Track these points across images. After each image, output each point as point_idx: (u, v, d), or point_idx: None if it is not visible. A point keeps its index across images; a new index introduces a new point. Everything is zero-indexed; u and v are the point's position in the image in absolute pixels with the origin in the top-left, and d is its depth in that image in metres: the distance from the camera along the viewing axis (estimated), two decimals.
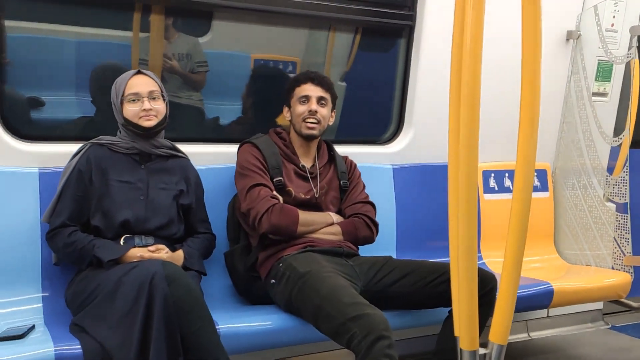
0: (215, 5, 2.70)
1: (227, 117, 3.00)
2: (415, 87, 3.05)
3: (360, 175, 2.67)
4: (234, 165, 2.48)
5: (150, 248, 2.12)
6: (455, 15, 1.62)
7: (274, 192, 2.37)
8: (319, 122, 2.47)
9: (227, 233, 2.53)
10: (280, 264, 2.31)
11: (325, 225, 2.45)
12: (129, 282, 1.86)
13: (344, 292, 2.06)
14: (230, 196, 2.54)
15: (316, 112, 2.45)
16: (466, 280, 1.60)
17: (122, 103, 2.19)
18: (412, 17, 2.99)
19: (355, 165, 2.70)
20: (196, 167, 2.41)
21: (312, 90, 2.46)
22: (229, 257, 2.48)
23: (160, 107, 2.21)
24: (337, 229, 2.46)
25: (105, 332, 1.84)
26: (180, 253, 2.21)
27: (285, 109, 2.55)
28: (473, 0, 1.52)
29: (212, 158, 2.59)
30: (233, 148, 2.54)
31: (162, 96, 2.24)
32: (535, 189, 3.41)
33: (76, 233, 2.11)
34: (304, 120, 2.45)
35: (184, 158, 2.36)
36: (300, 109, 2.45)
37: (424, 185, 3.07)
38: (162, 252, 2.12)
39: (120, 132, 2.26)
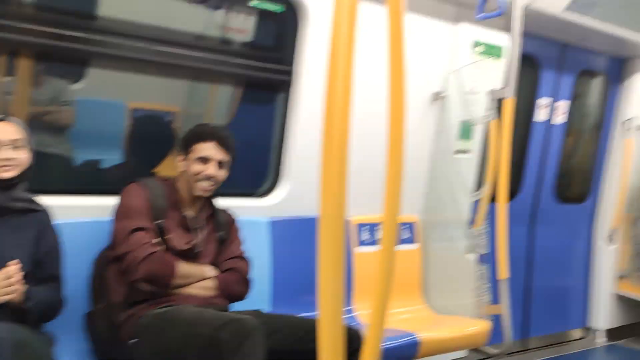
0: (89, 52, 2.61)
1: (99, 168, 2.88)
2: (293, 141, 3.12)
3: (238, 230, 2.65)
4: (103, 219, 2.36)
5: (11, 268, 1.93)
6: (327, 72, 1.68)
7: (155, 239, 2.29)
8: (214, 185, 2.44)
9: (89, 292, 2.40)
10: (142, 319, 2.22)
11: (201, 279, 2.39)
12: None
13: (208, 313, 2.06)
14: (94, 252, 2.42)
15: (214, 176, 2.41)
16: (332, 339, 1.59)
17: None
18: (290, 73, 3.08)
19: (234, 219, 2.67)
20: (60, 221, 2.27)
21: (214, 152, 2.40)
22: (90, 317, 2.35)
23: (23, 157, 2.08)
24: (210, 283, 2.42)
25: None
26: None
27: (181, 158, 2.47)
28: (343, 59, 1.58)
29: (78, 211, 2.46)
30: (103, 201, 2.43)
31: (27, 145, 2.11)
32: (405, 241, 3.56)
33: None
34: (198, 181, 2.40)
35: (42, 211, 2.22)
36: (197, 168, 2.39)
37: (301, 238, 3.10)
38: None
39: None
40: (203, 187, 2.40)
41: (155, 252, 2.24)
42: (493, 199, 3.47)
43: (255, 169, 3.25)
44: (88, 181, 2.87)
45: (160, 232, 2.34)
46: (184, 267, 2.33)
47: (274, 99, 3.20)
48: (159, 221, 2.34)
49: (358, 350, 2.25)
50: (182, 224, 2.44)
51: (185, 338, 2.03)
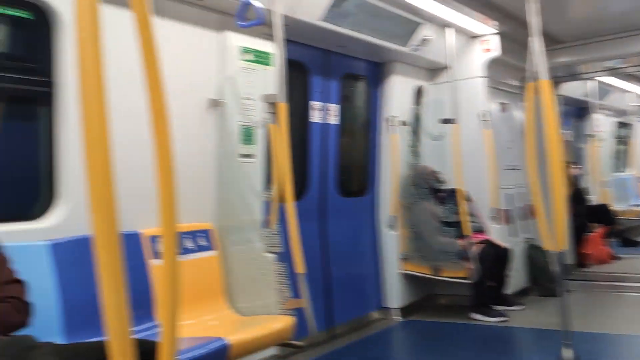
0: None
1: None
2: (64, 156, 2.91)
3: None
4: None
5: None
6: (79, 84, 1.59)
7: None
8: None
9: None
10: None
11: None
12: None
13: None
14: None
15: None
16: (121, 356, 1.51)
17: None
18: (50, 84, 2.86)
19: None
20: None
21: None
22: None
23: None
24: None
25: None
26: None
27: None
28: (92, 67, 1.51)
29: None
30: None
31: None
32: (202, 249, 3.52)
33: None
34: None
35: None
36: None
37: (88, 259, 2.88)
38: None
39: None
40: None
41: None
42: (281, 199, 3.59)
43: (26, 191, 2.97)
44: None
45: None
46: None
47: (37, 113, 2.96)
48: None
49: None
50: None
51: None
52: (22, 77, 2.83)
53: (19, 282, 2.29)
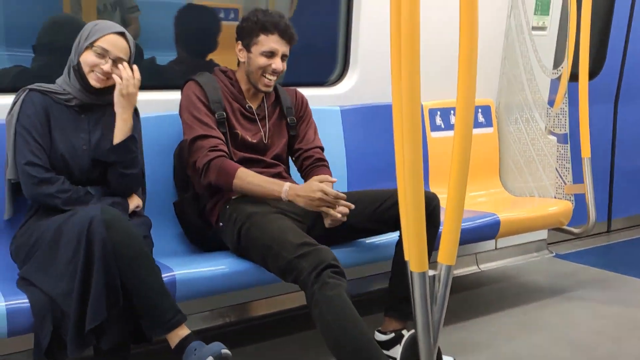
0: None
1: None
2: (359, 27, 3.03)
3: (311, 113, 2.59)
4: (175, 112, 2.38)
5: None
6: None
7: (218, 144, 2.26)
8: (276, 79, 2.37)
9: (174, 182, 2.48)
10: (228, 206, 2.29)
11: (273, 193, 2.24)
12: (68, 230, 1.83)
13: (292, 233, 2.07)
14: (175, 144, 2.48)
15: (280, 71, 2.34)
16: (413, 202, 1.63)
17: (86, 48, 2.08)
18: None
19: (307, 101, 2.58)
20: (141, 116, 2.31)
21: (279, 44, 2.31)
22: (178, 206, 2.44)
23: (117, 73, 2.09)
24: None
25: (51, 282, 1.83)
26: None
27: (240, 47, 2.38)
28: None
29: (154, 106, 2.49)
30: (175, 95, 2.44)
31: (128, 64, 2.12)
32: (480, 125, 3.48)
33: (67, 181, 2.06)
34: (263, 74, 2.33)
35: None
36: (262, 61, 2.30)
37: (372, 126, 3.09)
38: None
39: (60, 81, 2.15)
40: (267, 83, 2.34)
41: (213, 159, 2.21)
42: (572, 78, 3.33)
43: (323, 59, 3.20)
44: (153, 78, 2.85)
45: (221, 119, 2.29)
46: (250, 176, 2.25)
47: None
48: (217, 109, 2.29)
49: (434, 212, 2.27)
50: (245, 115, 2.40)
51: (267, 250, 2.07)
52: None
53: (322, 148, 2.57)
